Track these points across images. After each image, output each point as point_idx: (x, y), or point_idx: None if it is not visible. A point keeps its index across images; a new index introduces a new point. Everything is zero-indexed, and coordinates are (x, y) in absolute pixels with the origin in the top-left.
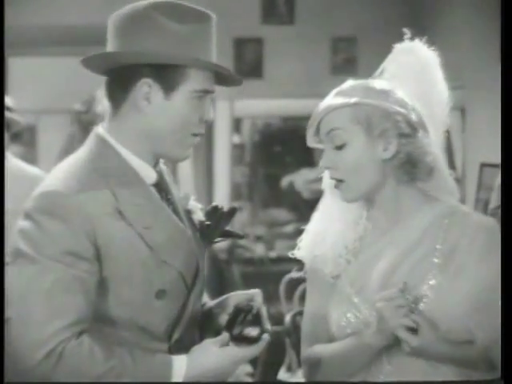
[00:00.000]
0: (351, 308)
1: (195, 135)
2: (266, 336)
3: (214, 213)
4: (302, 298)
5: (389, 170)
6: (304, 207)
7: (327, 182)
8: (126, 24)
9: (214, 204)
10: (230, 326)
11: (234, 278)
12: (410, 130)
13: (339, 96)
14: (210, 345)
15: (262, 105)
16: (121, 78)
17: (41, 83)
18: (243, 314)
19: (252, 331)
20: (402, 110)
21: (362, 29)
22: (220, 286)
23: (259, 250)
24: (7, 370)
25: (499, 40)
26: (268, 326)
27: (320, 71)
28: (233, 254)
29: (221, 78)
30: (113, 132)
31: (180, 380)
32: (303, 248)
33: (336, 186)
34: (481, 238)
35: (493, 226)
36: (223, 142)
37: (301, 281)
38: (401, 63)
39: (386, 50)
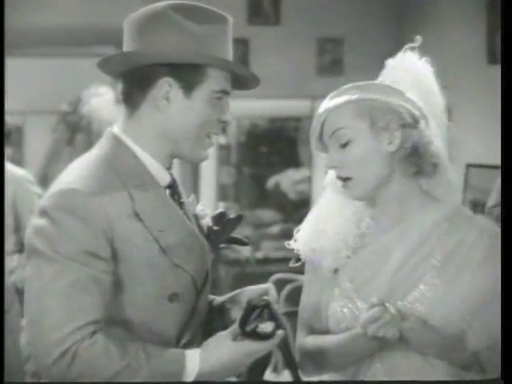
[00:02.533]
0: (348, 303)
1: (211, 135)
2: (280, 331)
3: (220, 219)
4: (289, 298)
5: (395, 163)
6: (290, 208)
7: (329, 178)
8: (143, 25)
9: (221, 210)
10: (243, 322)
11: (220, 278)
12: (412, 120)
13: (339, 95)
14: (224, 338)
15: (248, 105)
16: (139, 79)
17: (27, 84)
18: (259, 310)
19: (267, 327)
20: (403, 103)
21: (348, 30)
22: None
23: (245, 250)
24: (8, 370)
25: (485, 40)
26: (283, 320)
27: (306, 72)
28: (219, 255)
29: (237, 81)
30: (129, 132)
31: (194, 374)
32: (300, 239)
33: (343, 186)
34: (483, 242)
35: (495, 230)
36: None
37: (287, 281)
38: (395, 79)
39: (372, 51)
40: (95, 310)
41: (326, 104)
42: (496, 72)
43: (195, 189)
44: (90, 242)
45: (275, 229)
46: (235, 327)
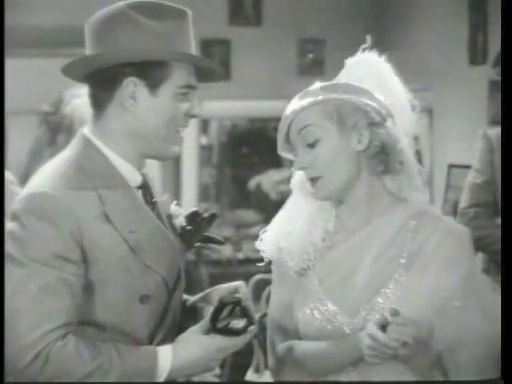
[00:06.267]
0: (319, 306)
1: (180, 129)
2: (252, 327)
3: (194, 218)
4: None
5: (363, 162)
6: (271, 208)
7: (296, 182)
8: (103, 26)
9: (194, 209)
10: (214, 319)
11: (201, 279)
12: (379, 118)
13: (305, 97)
14: (195, 333)
15: (229, 106)
16: (104, 81)
17: (9, 84)
18: (230, 307)
19: (238, 323)
20: (369, 102)
21: (329, 30)
22: (187, 287)
23: (227, 251)
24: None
25: (467, 40)
26: (255, 316)
27: (287, 73)
28: (200, 255)
29: (204, 74)
30: (98, 134)
31: (167, 369)
32: (266, 240)
33: (313, 186)
34: (447, 244)
35: (461, 233)
36: (191, 144)
37: (268, 282)
38: (354, 78)
39: (352, 52)
40: (66, 313)
41: (293, 106)
42: (478, 72)
43: (176, 189)
44: (59, 245)
45: (257, 229)
46: (206, 321)
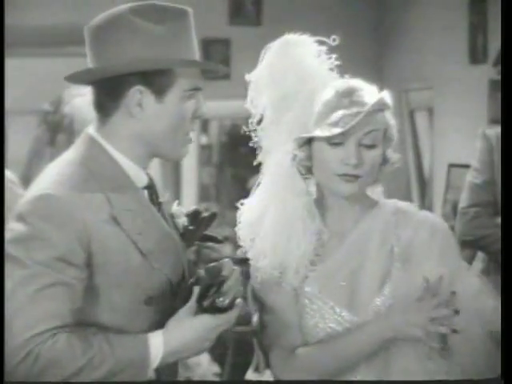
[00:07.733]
0: (326, 311)
1: (189, 132)
2: (239, 301)
3: (194, 216)
4: None
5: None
6: None
7: (282, 179)
8: (105, 33)
9: (194, 208)
10: (200, 299)
11: (200, 279)
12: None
13: (387, 100)
14: (184, 315)
15: (229, 106)
16: (109, 88)
17: (9, 84)
18: (215, 287)
19: (224, 300)
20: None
21: (329, 30)
22: None
23: (226, 250)
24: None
25: (467, 40)
26: (240, 288)
27: None
28: (200, 255)
29: (207, 74)
30: (104, 136)
31: (160, 355)
32: (261, 263)
33: (346, 181)
34: (437, 239)
35: (442, 224)
36: (191, 143)
37: None
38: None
39: (352, 52)
40: (61, 316)
41: (376, 102)
42: (478, 72)
43: (176, 189)
44: (63, 249)
45: None
46: (193, 302)
